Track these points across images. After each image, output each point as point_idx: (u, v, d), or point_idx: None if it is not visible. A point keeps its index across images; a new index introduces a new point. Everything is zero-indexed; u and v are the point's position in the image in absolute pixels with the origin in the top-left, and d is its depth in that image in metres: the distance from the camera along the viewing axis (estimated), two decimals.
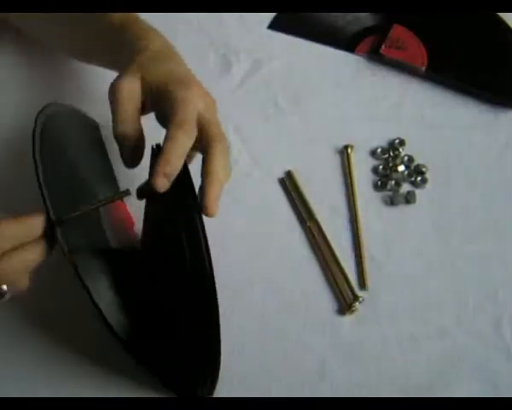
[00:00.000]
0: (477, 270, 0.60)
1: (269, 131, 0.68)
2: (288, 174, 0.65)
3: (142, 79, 0.52)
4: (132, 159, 0.53)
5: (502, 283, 0.59)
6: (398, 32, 0.74)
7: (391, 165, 0.66)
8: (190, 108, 0.51)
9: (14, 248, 0.46)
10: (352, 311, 0.57)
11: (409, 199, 0.63)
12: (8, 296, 0.46)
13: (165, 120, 0.51)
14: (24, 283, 0.47)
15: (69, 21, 0.62)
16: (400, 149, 0.66)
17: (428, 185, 0.65)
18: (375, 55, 0.73)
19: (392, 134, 0.68)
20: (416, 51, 0.72)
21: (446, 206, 0.63)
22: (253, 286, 0.59)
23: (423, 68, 0.71)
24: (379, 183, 0.65)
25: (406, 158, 0.66)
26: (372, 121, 0.69)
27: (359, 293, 0.58)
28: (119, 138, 0.52)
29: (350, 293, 0.58)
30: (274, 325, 0.57)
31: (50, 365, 0.55)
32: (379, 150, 0.66)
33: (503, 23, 0.75)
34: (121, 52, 0.56)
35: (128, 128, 0.51)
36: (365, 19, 0.77)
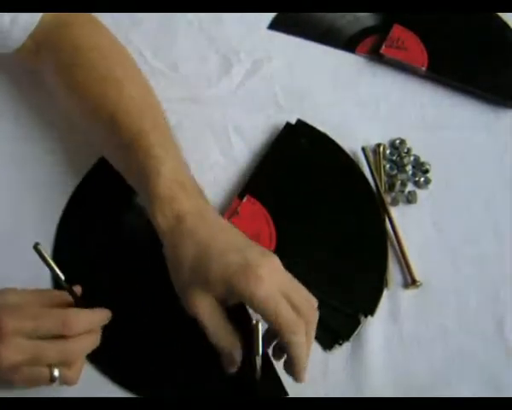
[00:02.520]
0: (478, 270, 0.60)
1: (269, 130, 0.68)
2: None
3: (208, 288, 0.49)
4: (232, 364, 0.52)
5: (502, 283, 0.59)
6: (398, 31, 0.74)
7: (398, 165, 0.66)
8: (278, 305, 0.48)
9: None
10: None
11: (410, 199, 0.63)
12: (56, 383, 0.49)
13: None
14: (77, 372, 0.50)
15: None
16: (405, 149, 0.67)
17: (429, 185, 0.65)
18: (375, 55, 0.73)
19: (393, 134, 0.68)
20: (417, 51, 0.72)
21: (447, 206, 0.63)
22: None
23: (423, 68, 0.71)
24: (386, 185, 0.64)
25: (413, 158, 0.66)
26: (372, 121, 0.69)
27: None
28: (219, 350, 0.51)
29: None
30: None
31: None
32: (388, 151, 0.66)
33: (503, 23, 0.75)
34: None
35: (223, 342, 0.50)
36: (365, 19, 0.77)
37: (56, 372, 0.48)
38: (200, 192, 0.55)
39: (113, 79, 0.59)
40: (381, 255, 0.59)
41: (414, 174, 0.65)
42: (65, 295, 0.52)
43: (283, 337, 0.48)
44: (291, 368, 0.50)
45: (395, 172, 0.65)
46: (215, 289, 0.49)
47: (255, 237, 0.59)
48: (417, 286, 0.58)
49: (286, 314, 0.48)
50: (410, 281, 0.58)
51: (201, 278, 0.49)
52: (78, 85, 0.59)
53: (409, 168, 0.65)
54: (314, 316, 0.50)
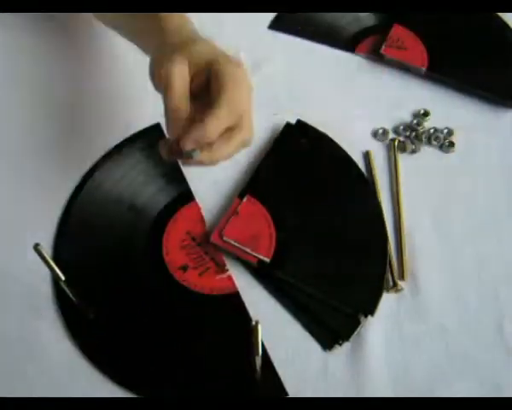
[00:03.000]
0: (477, 270, 0.60)
1: (269, 130, 0.68)
2: None
3: (192, 59, 0.52)
4: (176, 131, 0.51)
5: (502, 283, 0.59)
6: (398, 31, 0.74)
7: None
8: (242, 88, 0.51)
9: None
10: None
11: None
12: None
13: (208, 93, 0.52)
14: None
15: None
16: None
17: None
18: (375, 55, 0.73)
19: (392, 134, 0.68)
20: (417, 51, 0.72)
21: (446, 206, 0.63)
22: None
23: (423, 68, 0.71)
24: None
25: None
26: (372, 121, 0.69)
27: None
28: (171, 113, 0.51)
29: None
30: (276, 323, 0.57)
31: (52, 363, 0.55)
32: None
33: (503, 23, 0.75)
34: (154, 35, 0.56)
35: (181, 104, 0.51)
36: (365, 19, 0.77)
37: None
38: None
39: None
40: (381, 256, 0.59)
41: None
42: None
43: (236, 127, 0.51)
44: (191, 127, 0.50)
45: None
46: (196, 60, 0.52)
47: (255, 237, 0.59)
48: (398, 290, 0.58)
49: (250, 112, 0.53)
50: (392, 284, 0.58)
51: (187, 49, 0.53)
52: None
53: None
54: (249, 136, 0.53)
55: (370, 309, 0.57)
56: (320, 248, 0.60)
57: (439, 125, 0.68)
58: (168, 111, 0.51)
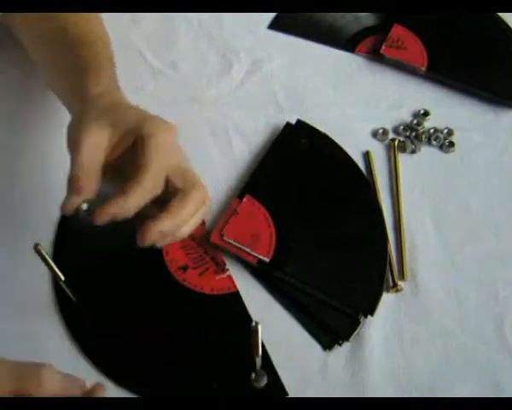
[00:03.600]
0: (477, 270, 0.59)
1: (269, 130, 0.68)
2: None
3: (114, 122, 0.50)
4: (73, 203, 0.50)
5: (502, 283, 0.59)
6: (398, 31, 0.74)
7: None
8: (167, 156, 0.50)
9: None
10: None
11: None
12: None
13: (133, 159, 0.49)
14: None
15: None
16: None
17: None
18: (375, 55, 0.73)
19: (392, 134, 0.68)
20: (417, 51, 0.72)
21: (446, 206, 0.63)
22: None
23: (423, 68, 0.71)
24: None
25: None
26: (372, 121, 0.69)
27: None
28: (73, 186, 0.49)
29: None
30: (276, 323, 0.57)
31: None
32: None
33: (503, 23, 0.75)
34: (77, 97, 0.55)
35: (83, 174, 0.49)
36: (365, 19, 0.77)
37: None
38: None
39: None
40: (381, 256, 0.59)
41: None
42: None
43: (185, 189, 0.50)
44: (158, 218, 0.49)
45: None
46: (123, 124, 0.50)
47: (255, 237, 0.59)
48: (398, 290, 0.58)
49: (191, 169, 0.51)
50: (392, 284, 0.58)
51: (112, 114, 0.51)
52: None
53: None
54: (204, 194, 0.52)
55: (370, 309, 0.56)
56: (320, 249, 0.60)
57: (439, 125, 0.68)
58: (71, 176, 0.49)
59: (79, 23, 0.60)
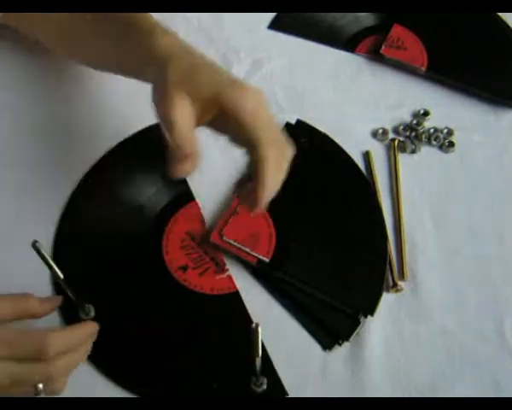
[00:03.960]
0: (478, 270, 0.60)
1: None
2: None
3: (194, 94, 0.49)
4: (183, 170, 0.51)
5: (502, 283, 0.59)
6: (398, 31, 0.74)
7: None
8: (264, 115, 0.50)
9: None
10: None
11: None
12: (42, 395, 0.47)
13: (240, 134, 0.49)
14: (63, 384, 0.49)
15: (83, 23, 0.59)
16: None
17: None
18: (375, 55, 0.73)
19: (392, 134, 0.68)
20: (417, 51, 0.72)
21: (446, 206, 0.63)
22: None
23: (423, 68, 0.71)
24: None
25: None
26: (372, 121, 0.69)
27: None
28: (178, 153, 0.50)
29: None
30: (276, 323, 0.57)
31: None
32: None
33: (503, 23, 0.75)
34: (150, 63, 0.53)
35: (187, 149, 0.49)
36: (365, 19, 0.77)
37: (40, 386, 0.47)
38: None
39: None
40: (381, 255, 0.59)
41: None
42: (36, 302, 0.50)
43: (258, 151, 0.48)
44: (255, 192, 0.49)
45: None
46: (201, 94, 0.49)
47: (255, 237, 0.59)
48: (398, 290, 0.58)
49: (267, 129, 0.49)
50: (392, 284, 0.58)
51: (189, 84, 0.49)
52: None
53: None
54: (288, 152, 0.51)
55: (370, 309, 0.56)
56: (320, 248, 0.60)
57: (439, 125, 0.68)
58: (172, 151, 0.49)
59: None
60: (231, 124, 0.49)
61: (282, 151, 0.51)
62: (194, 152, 0.50)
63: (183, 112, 0.48)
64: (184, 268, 0.59)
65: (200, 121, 0.50)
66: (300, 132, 0.67)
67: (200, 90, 0.49)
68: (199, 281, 0.58)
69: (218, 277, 0.58)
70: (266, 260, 0.58)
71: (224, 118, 0.49)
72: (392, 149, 0.66)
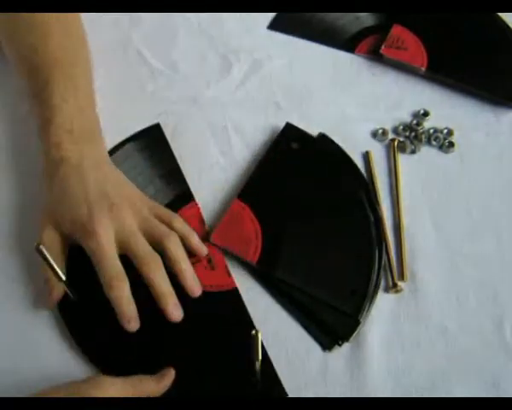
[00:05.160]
0: (477, 270, 0.59)
1: (269, 131, 0.68)
2: None
3: (57, 223, 0.56)
4: (49, 297, 0.56)
5: (502, 283, 0.59)
6: (397, 31, 0.74)
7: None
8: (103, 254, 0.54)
9: None
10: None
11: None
12: None
13: None
14: None
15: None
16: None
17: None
18: (374, 55, 0.73)
19: (392, 135, 0.68)
20: (417, 51, 0.72)
21: (446, 206, 0.63)
22: None
23: (423, 68, 0.71)
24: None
25: None
26: (372, 121, 0.69)
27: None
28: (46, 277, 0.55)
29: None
30: (276, 324, 0.57)
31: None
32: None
33: (503, 23, 0.75)
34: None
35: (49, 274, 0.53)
36: (365, 19, 0.77)
37: None
38: (90, 138, 0.60)
39: (41, 24, 0.63)
40: (381, 256, 0.59)
41: None
42: (153, 382, 0.52)
43: (142, 273, 0.54)
44: (180, 277, 0.56)
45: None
46: (64, 230, 0.56)
47: (245, 240, 0.59)
48: (398, 290, 0.58)
49: (153, 225, 0.57)
50: (392, 284, 0.58)
51: (54, 219, 0.56)
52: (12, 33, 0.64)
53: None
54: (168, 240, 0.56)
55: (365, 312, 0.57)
56: (319, 249, 0.60)
57: (439, 125, 0.68)
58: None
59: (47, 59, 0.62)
60: None
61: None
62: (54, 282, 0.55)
63: (49, 244, 0.55)
64: None
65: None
66: (291, 137, 0.66)
67: (61, 227, 0.56)
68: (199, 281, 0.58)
69: (206, 273, 0.59)
70: (256, 262, 0.58)
71: None
72: (392, 149, 0.66)
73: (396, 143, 0.66)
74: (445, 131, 0.68)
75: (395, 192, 0.64)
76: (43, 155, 0.58)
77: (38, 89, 0.60)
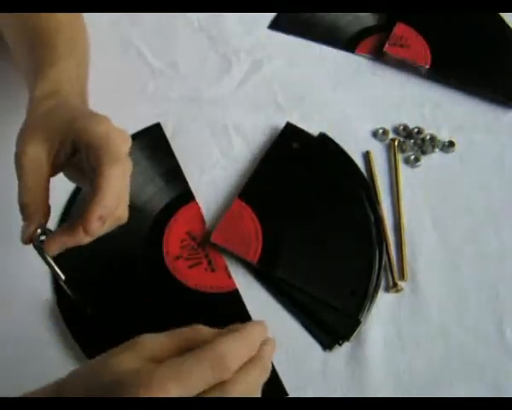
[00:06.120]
0: (477, 270, 0.60)
1: (269, 130, 0.68)
2: None
3: (48, 134, 0.48)
4: (28, 233, 0.49)
5: (502, 282, 0.59)
6: (401, 30, 0.74)
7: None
8: (117, 141, 0.47)
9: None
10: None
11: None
12: None
13: (89, 159, 0.47)
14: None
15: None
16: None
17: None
18: (375, 55, 0.73)
19: (392, 134, 0.68)
20: (420, 49, 0.72)
21: (446, 206, 0.63)
22: None
23: (427, 67, 0.71)
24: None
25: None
26: (372, 121, 0.69)
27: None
28: (22, 209, 0.49)
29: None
30: (276, 323, 0.57)
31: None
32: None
33: (503, 23, 0.75)
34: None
35: (30, 200, 0.48)
36: (365, 19, 0.77)
37: None
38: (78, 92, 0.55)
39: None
40: (381, 255, 0.59)
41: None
42: (200, 331, 0.40)
43: (100, 165, 0.45)
44: (86, 212, 0.46)
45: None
46: (54, 134, 0.48)
47: (246, 240, 0.59)
48: (398, 290, 0.58)
49: (114, 150, 0.46)
50: (392, 284, 0.58)
51: (44, 123, 0.49)
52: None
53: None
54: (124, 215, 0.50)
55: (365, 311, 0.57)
56: (320, 248, 0.60)
57: (440, 126, 0.68)
58: (20, 205, 0.48)
59: (43, 17, 0.58)
60: (82, 153, 0.48)
61: (126, 170, 0.48)
62: (39, 209, 0.48)
63: (32, 160, 0.48)
64: (177, 257, 0.59)
65: (56, 164, 0.49)
66: (291, 137, 0.66)
67: (56, 130, 0.48)
68: (187, 272, 0.58)
69: (207, 274, 0.58)
70: (257, 262, 0.58)
71: (77, 150, 0.48)
72: (392, 149, 0.66)
73: (396, 143, 0.66)
74: (446, 131, 0.67)
75: (395, 192, 0.64)
76: (34, 87, 0.53)
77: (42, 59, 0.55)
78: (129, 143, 0.49)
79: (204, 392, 0.36)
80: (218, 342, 0.37)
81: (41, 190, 0.48)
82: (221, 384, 0.36)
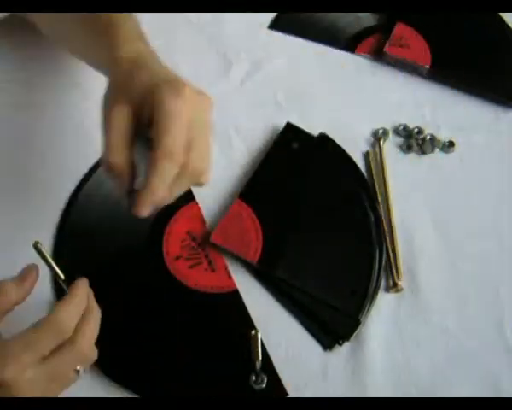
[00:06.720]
0: (477, 270, 0.60)
1: (269, 130, 0.68)
2: None
3: (129, 96, 0.49)
4: (124, 192, 0.50)
5: (502, 282, 0.59)
6: (401, 30, 0.74)
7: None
8: (179, 127, 0.48)
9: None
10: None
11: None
12: (83, 374, 0.47)
13: (150, 126, 0.48)
14: (95, 351, 0.48)
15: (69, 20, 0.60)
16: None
17: None
18: (375, 55, 0.73)
19: (392, 134, 0.68)
20: (420, 49, 0.72)
21: (446, 206, 0.63)
22: None
23: (427, 67, 0.71)
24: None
25: None
26: (372, 121, 0.69)
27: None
28: (109, 168, 0.49)
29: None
30: (276, 323, 0.57)
31: None
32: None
33: (503, 23, 0.75)
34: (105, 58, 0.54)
35: (116, 159, 0.48)
36: (366, 19, 0.77)
37: (79, 367, 0.46)
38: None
39: None
40: (380, 255, 0.59)
41: None
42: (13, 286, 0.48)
43: (157, 155, 0.46)
44: (141, 193, 0.47)
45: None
46: (134, 94, 0.49)
47: (246, 240, 0.59)
48: (398, 290, 0.58)
49: (177, 140, 0.48)
50: (392, 284, 0.58)
51: (126, 85, 0.50)
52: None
53: None
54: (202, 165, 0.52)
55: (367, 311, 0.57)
56: (320, 248, 0.60)
57: (440, 126, 0.68)
58: (105, 164, 0.49)
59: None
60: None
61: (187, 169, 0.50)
62: (126, 170, 0.49)
63: (120, 117, 0.49)
64: (178, 257, 0.59)
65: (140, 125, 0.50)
66: (291, 137, 0.66)
67: (137, 93, 0.49)
68: (187, 272, 0.58)
69: (206, 275, 0.58)
70: (257, 262, 0.58)
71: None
72: (378, 147, 0.66)
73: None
74: (446, 131, 0.67)
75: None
76: (116, 50, 0.53)
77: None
78: (211, 107, 0.53)
79: (55, 352, 0.44)
80: (55, 311, 0.45)
81: (127, 148, 0.49)
82: (66, 342, 0.45)
